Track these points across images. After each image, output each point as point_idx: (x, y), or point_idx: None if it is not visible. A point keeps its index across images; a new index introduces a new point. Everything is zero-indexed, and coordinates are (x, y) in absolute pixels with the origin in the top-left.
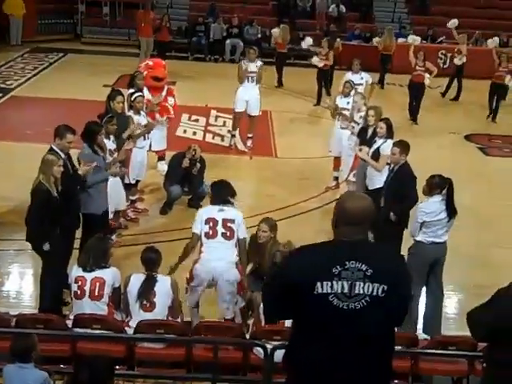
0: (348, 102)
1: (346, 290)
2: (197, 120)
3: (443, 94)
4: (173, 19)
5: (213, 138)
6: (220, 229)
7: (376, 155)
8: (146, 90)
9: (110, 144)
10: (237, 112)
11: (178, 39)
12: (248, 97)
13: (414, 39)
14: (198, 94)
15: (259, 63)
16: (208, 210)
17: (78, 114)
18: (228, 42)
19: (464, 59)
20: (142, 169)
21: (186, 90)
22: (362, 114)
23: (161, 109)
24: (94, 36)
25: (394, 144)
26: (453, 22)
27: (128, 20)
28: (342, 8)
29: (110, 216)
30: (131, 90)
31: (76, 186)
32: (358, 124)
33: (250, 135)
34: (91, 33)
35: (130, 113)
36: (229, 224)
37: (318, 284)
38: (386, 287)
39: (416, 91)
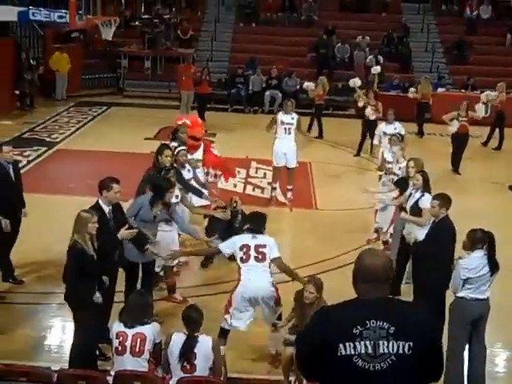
0: (393, 154)
1: (369, 351)
2: (237, 172)
3: (485, 143)
4: (213, 72)
5: (253, 190)
6: (252, 253)
7: (415, 210)
8: None
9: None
10: (276, 166)
11: (217, 91)
12: (285, 149)
13: (488, 95)
14: (238, 145)
15: (295, 115)
16: (242, 238)
17: (120, 167)
18: (267, 93)
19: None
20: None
21: (226, 141)
22: (402, 165)
23: (224, 173)
24: (136, 89)
25: (434, 197)
26: (375, 69)
27: (168, 73)
28: (380, 58)
29: (157, 269)
30: (174, 144)
31: (115, 244)
32: (398, 175)
33: (289, 187)
34: (133, 86)
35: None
36: (260, 249)
37: (341, 346)
38: (411, 344)
39: (459, 141)
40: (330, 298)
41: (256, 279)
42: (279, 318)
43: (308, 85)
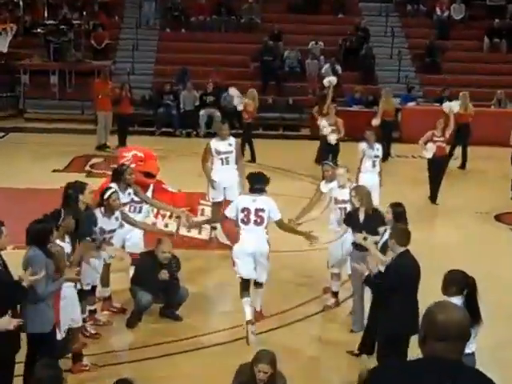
0: (332, 188)
1: None
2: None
3: (462, 166)
4: (135, 87)
5: (188, 230)
6: (252, 217)
7: (385, 248)
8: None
9: (66, 246)
10: (215, 202)
11: (141, 111)
12: (226, 183)
13: (451, 106)
14: (168, 176)
15: (233, 140)
16: (243, 200)
17: (22, 206)
18: (202, 112)
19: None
20: (95, 273)
21: None
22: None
23: (192, 210)
24: (40, 111)
25: (390, 233)
26: (329, 80)
27: (81, 90)
28: (338, 68)
29: (60, 336)
30: (113, 186)
31: (15, 302)
32: (345, 206)
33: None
34: (37, 107)
35: (97, 212)
36: (260, 213)
37: None
38: None
39: (437, 167)
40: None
41: (254, 240)
42: None
43: (232, 91)
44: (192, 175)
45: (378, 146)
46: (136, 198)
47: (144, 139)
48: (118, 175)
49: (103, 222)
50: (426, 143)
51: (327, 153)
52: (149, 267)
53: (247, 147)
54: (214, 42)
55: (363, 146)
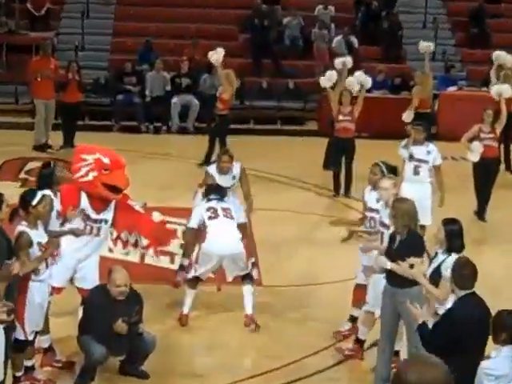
0: (378, 199)
1: None
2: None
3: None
4: (85, 67)
5: (156, 257)
6: (220, 212)
7: (435, 278)
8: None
9: None
10: (189, 228)
11: (94, 98)
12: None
13: (502, 90)
14: (131, 186)
15: (237, 171)
16: (208, 203)
17: None
18: (175, 100)
19: None
20: (41, 314)
21: None
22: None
23: (153, 242)
24: None
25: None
26: (342, 61)
27: (13, 71)
28: (353, 41)
29: None
30: (48, 192)
31: None
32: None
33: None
34: None
35: (23, 226)
36: (227, 210)
37: None
38: None
39: (484, 172)
40: None
41: (224, 235)
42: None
43: (212, 56)
44: (161, 183)
45: (423, 147)
46: (94, 215)
47: (98, 136)
48: (47, 178)
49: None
50: (470, 141)
51: (338, 154)
52: (100, 308)
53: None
54: (190, 5)
55: (401, 144)
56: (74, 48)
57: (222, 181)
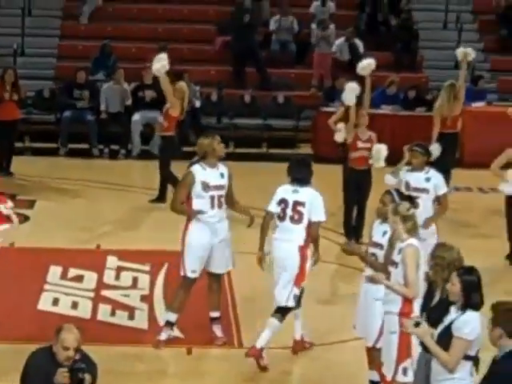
0: (385, 232)
1: None
2: (79, 278)
3: None
4: (26, 76)
5: (112, 312)
6: (289, 212)
7: (445, 338)
8: None
9: None
10: (189, 278)
11: (36, 115)
12: (214, 240)
13: None
14: (81, 226)
15: (223, 169)
16: (284, 190)
17: None
18: (137, 117)
19: None
20: None
21: (54, 218)
22: (404, 244)
23: None
24: None
25: (491, 306)
26: (464, 52)
27: None
28: (358, 44)
29: None
30: None
31: None
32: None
33: (215, 314)
34: None
35: None
36: (298, 207)
37: None
38: None
39: None
40: None
41: (285, 240)
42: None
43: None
44: (119, 221)
45: (432, 174)
46: None
47: (40, 162)
48: None
49: None
50: (503, 168)
51: (354, 190)
52: (42, 373)
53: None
54: (157, 0)
55: (399, 169)
56: (12, 53)
57: (211, 177)
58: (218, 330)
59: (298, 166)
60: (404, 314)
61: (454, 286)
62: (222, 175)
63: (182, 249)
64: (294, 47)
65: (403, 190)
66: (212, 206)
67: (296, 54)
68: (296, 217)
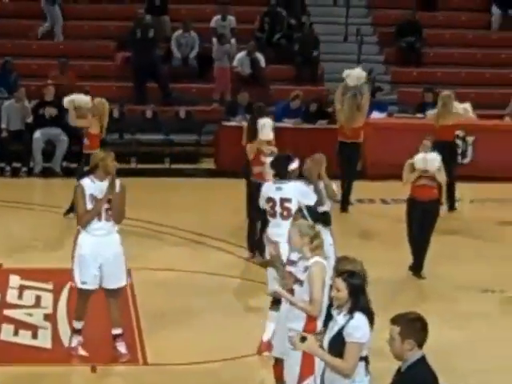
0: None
1: None
2: None
3: (450, 207)
4: None
5: (15, 332)
6: (278, 209)
7: (338, 344)
8: None
9: None
10: (83, 290)
11: None
12: (103, 253)
13: (465, 110)
14: None
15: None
16: (268, 188)
17: None
18: (38, 134)
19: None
20: None
21: None
22: (309, 263)
23: None
24: None
25: (392, 319)
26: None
27: None
28: (259, 58)
29: None
30: None
31: None
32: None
33: (117, 331)
34: None
35: None
36: (285, 204)
37: None
38: None
39: (421, 217)
40: None
41: (278, 235)
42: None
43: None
44: (20, 239)
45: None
46: None
47: None
48: None
49: None
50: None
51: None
52: None
53: None
54: (69, 14)
55: None
56: None
57: (98, 189)
58: (121, 347)
59: (278, 161)
60: (307, 331)
61: (341, 292)
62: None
63: (72, 261)
64: (195, 62)
65: None
66: (99, 219)
67: (198, 68)
68: (285, 213)
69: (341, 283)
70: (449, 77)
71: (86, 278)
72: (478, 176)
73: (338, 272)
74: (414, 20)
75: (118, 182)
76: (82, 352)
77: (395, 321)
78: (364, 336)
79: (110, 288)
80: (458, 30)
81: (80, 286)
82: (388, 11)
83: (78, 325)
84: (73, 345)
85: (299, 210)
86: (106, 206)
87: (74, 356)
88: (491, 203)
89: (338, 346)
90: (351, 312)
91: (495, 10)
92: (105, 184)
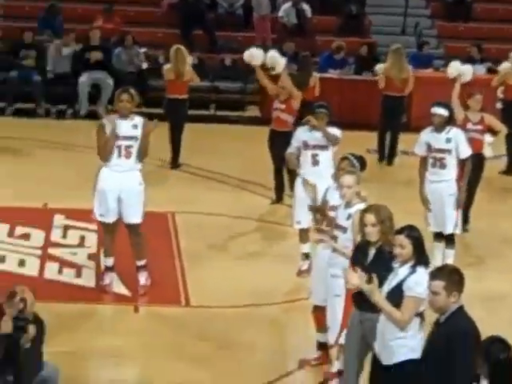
0: (349, 216)
1: None
2: (26, 236)
3: (507, 171)
4: None
5: (59, 270)
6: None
7: (396, 297)
8: None
9: None
10: (103, 223)
11: None
12: (120, 188)
13: (460, 70)
14: (27, 183)
15: (139, 120)
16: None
17: None
18: (83, 78)
19: None
20: None
21: (0, 176)
22: (352, 211)
23: None
24: None
25: (433, 274)
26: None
27: None
28: (305, 9)
29: None
30: None
31: None
32: (344, 231)
33: (140, 263)
34: None
35: None
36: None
37: None
38: None
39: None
40: None
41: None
42: None
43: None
44: (65, 180)
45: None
46: None
47: None
48: None
49: None
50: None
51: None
52: None
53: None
54: None
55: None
56: None
57: (122, 128)
58: (141, 278)
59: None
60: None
61: (405, 248)
62: (134, 126)
63: (93, 194)
64: (241, 11)
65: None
66: (119, 156)
67: (243, 17)
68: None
69: (404, 239)
70: (496, 32)
71: (103, 210)
72: None
73: (398, 229)
74: None
75: (141, 121)
76: (115, 289)
77: (437, 276)
78: (425, 291)
79: (126, 222)
80: None
81: (98, 218)
82: None
83: (107, 261)
84: (106, 282)
85: (345, 158)
86: (126, 143)
87: (109, 293)
88: None
89: (396, 298)
90: (414, 266)
91: None
92: (128, 122)
